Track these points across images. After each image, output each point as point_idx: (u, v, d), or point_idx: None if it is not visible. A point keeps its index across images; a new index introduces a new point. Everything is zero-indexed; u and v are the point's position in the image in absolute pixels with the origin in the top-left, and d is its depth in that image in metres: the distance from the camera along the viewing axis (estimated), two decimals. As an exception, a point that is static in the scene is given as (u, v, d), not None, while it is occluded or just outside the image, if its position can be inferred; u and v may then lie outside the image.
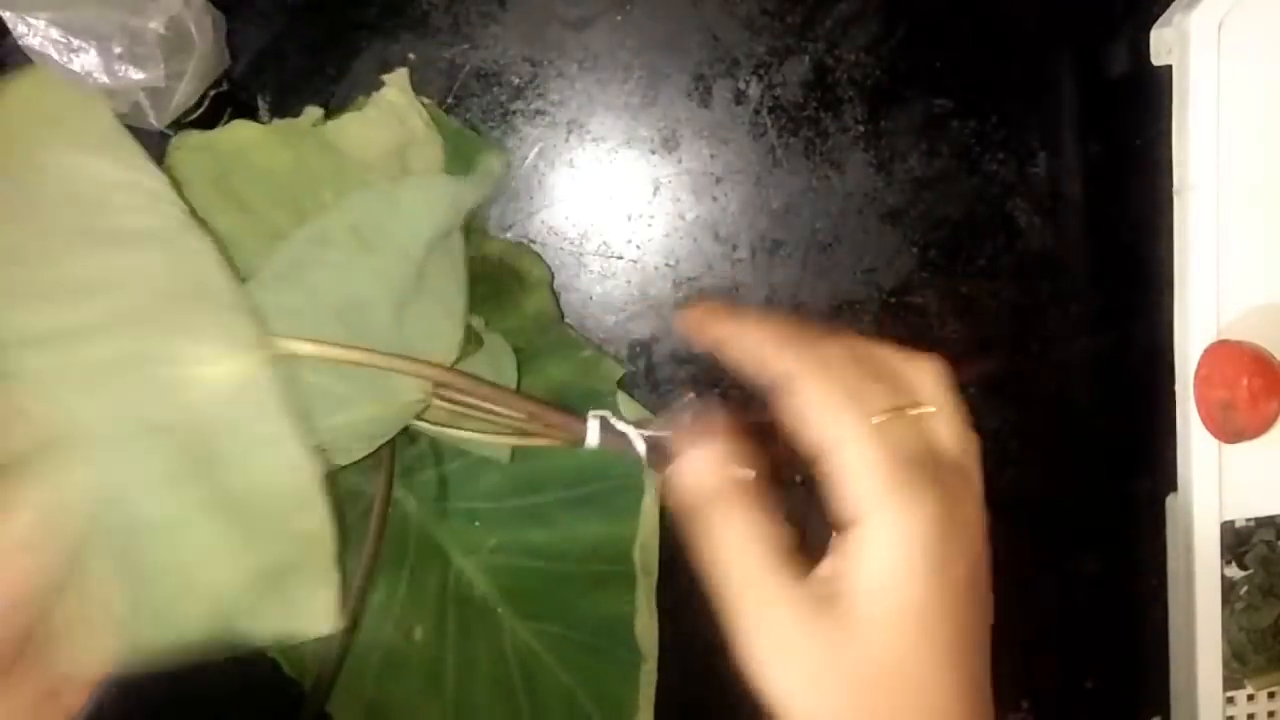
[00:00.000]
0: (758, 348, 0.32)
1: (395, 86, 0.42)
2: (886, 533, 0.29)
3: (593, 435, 0.38)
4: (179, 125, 0.42)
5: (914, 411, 0.32)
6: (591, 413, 0.38)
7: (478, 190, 0.41)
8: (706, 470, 0.32)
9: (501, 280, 0.46)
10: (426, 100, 0.45)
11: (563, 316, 0.49)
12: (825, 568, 0.31)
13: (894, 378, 0.32)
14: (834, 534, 0.31)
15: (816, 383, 0.30)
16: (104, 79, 0.40)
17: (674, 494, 0.32)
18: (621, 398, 0.46)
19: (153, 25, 0.39)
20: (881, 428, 0.30)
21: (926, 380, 0.33)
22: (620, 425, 0.38)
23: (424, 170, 0.42)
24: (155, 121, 0.41)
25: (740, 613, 0.30)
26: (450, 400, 0.38)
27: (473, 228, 0.47)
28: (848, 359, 0.32)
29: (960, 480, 0.32)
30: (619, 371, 0.46)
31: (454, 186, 0.39)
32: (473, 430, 0.40)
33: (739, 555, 0.30)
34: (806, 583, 0.30)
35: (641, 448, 0.38)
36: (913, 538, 0.29)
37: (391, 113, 0.41)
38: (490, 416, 0.39)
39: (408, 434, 0.44)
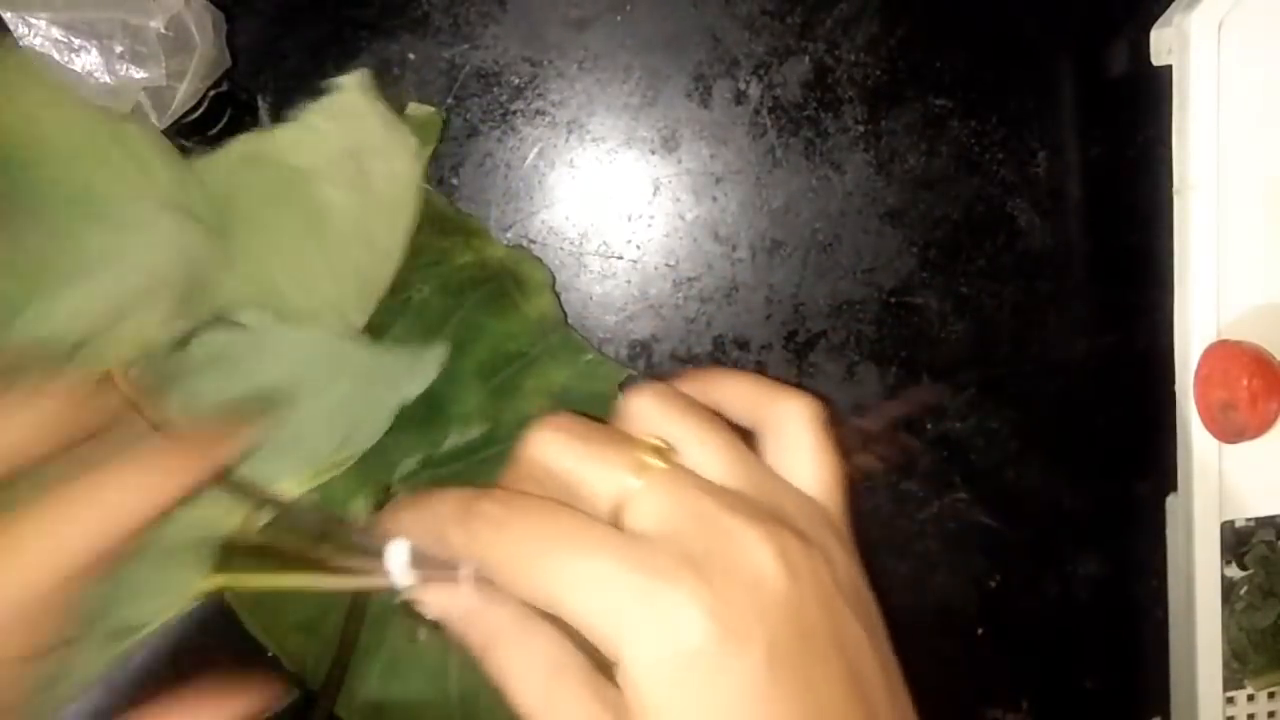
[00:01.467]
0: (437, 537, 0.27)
1: (351, 88, 0.42)
2: (639, 668, 0.23)
3: (397, 568, 0.28)
4: (179, 126, 0.42)
5: (655, 463, 0.25)
6: (394, 542, 0.28)
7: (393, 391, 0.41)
8: (480, 603, 0.26)
9: (502, 283, 0.46)
10: (430, 105, 0.45)
11: (566, 319, 0.49)
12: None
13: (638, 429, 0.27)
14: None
15: (490, 546, 0.25)
16: (106, 79, 0.40)
17: (456, 634, 0.27)
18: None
19: (154, 24, 0.39)
20: (611, 520, 0.25)
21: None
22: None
23: (385, 177, 0.42)
24: (156, 122, 0.41)
25: None
26: None
27: (474, 231, 0.47)
28: (548, 458, 0.26)
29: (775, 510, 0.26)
30: (622, 375, 0.46)
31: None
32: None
33: (548, 690, 0.25)
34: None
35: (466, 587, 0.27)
36: (671, 656, 0.23)
37: (342, 116, 0.41)
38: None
39: (402, 451, 0.45)
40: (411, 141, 0.43)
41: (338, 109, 0.41)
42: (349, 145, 0.41)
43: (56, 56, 0.40)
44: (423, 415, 0.46)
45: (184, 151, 0.46)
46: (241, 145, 0.40)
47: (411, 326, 0.45)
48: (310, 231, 0.41)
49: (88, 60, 0.40)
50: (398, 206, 0.42)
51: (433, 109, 0.46)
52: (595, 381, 0.46)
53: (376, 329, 0.45)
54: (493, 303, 0.46)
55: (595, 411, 0.47)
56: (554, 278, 0.48)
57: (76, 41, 0.40)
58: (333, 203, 0.41)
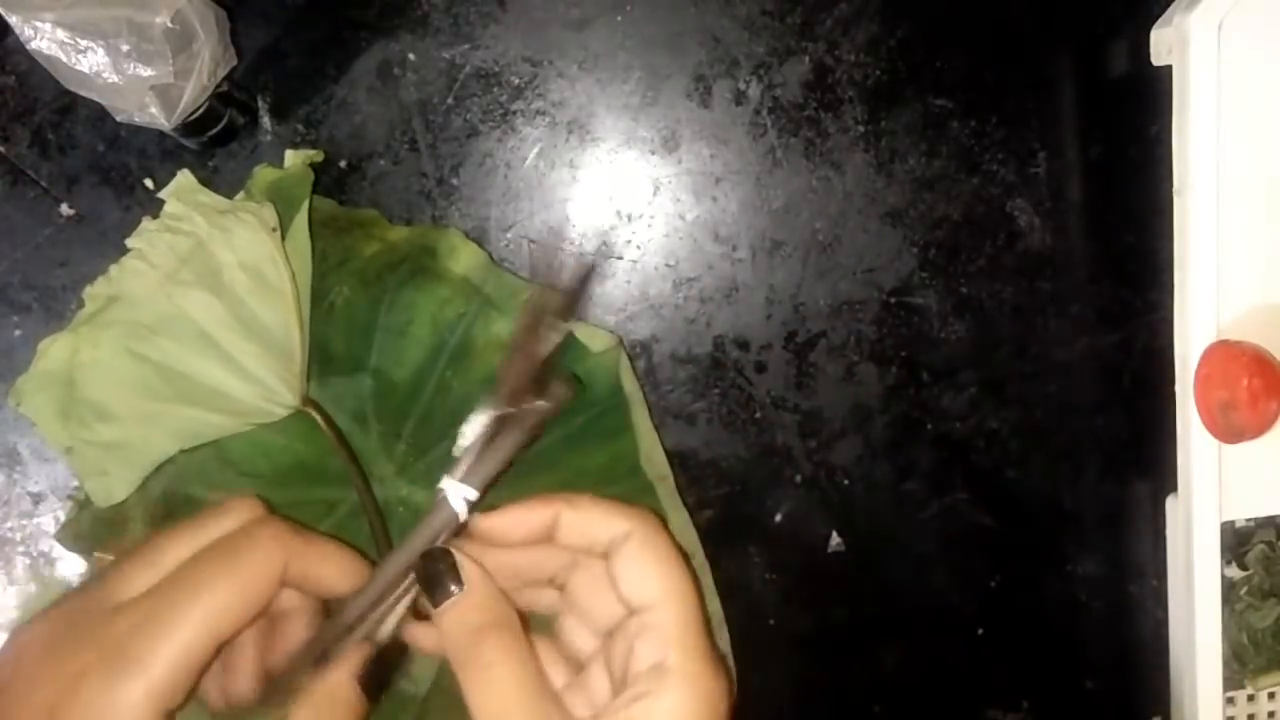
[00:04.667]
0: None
1: (172, 197, 0.43)
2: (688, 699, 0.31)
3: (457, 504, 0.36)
4: (178, 127, 0.42)
5: None
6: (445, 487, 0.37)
7: None
8: (475, 606, 0.33)
9: (416, 259, 0.46)
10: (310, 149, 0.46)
11: (493, 259, 0.48)
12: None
13: None
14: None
15: (644, 534, 0.33)
16: (113, 78, 0.40)
17: (440, 632, 0.33)
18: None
19: (159, 20, 0.40)
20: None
21: None
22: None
23: (237, 264, 0.42)
24: (165, 120, 0.42)
25: None
26: None
27: (369, 221, 0.47)
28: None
29: None
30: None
31: None
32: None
33: (510, 699, 0.31)
34: None
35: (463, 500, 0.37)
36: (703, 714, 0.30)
37: (166, 230, 0.42)
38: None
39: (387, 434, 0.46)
40: (263, 214, 0.43)
41: (159, 225, 0.42)
42: (181, 253, 0.42)
43: (64, 58, 0.40)
44: (394, 416, 0.46)
45: (186, 153, 0.46)
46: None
47: (345, 330, 0.46)
48: (199, 351, 0.42)
49: (95, 60, 0.40)
50: (267, 282, 0.43)
51: (312, 151, 0.46)
52: None
53: (317, 346, 0.45)
54: (414, 279, 0.46)
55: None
56: (464, 233, 0.48)
57: (83, 42, 0.40)
58: (195, 305, 0.42)
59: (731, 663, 0.47)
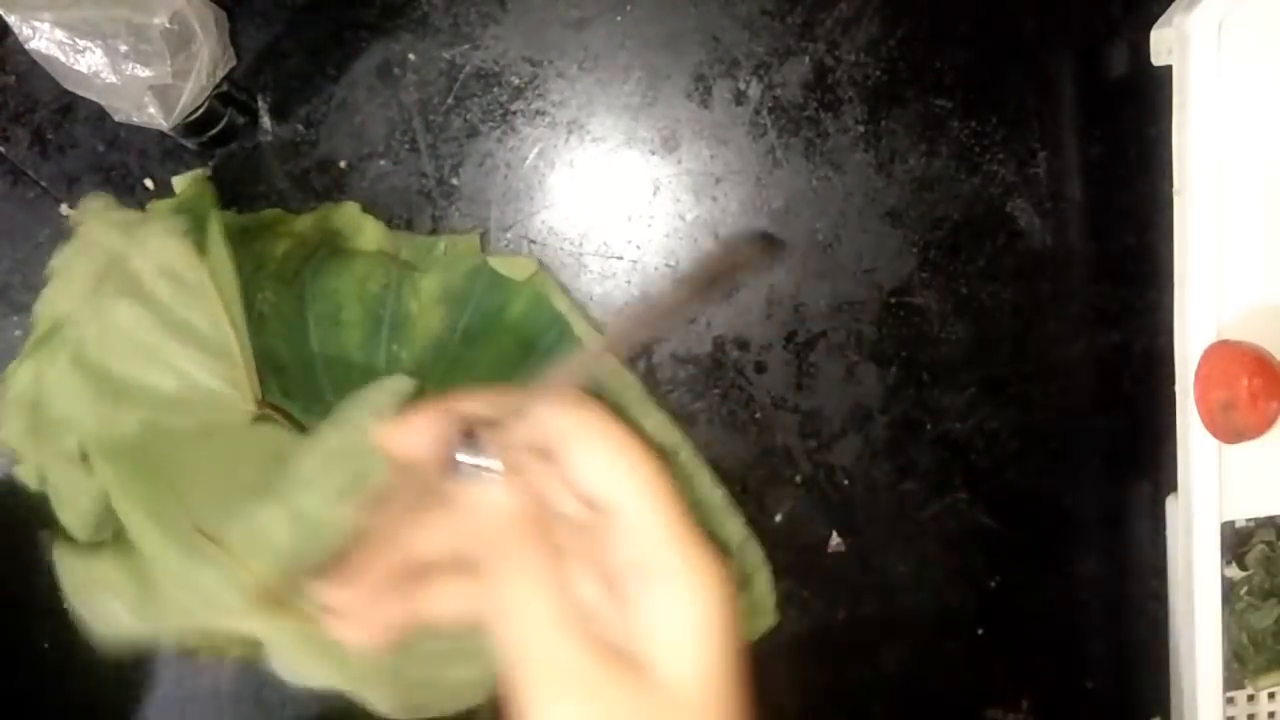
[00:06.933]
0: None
1: (86, 219, 0.43)
2: (687, 593, 0.26)
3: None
4: (178, 127, 0.42)
5: None
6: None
7: None
8: (507, 500, 0.27)
9: (327, 243, 0.46)
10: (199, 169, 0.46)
11: (398, 223, 0.48)
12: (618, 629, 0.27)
13: None
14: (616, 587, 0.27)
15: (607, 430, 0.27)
16: (111, 78, 0.40)
17: (475, 524, 0.27)
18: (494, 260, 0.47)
19: (157, 20, 0.40)
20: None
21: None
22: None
23: (156, 270, 0.42)
24: (163, 121, 0.42)
25: (537, 683, 0.25)
26: None
27: (274, 220, 0.47)
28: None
29: None
30: (475, 237, 0.47)
31: None
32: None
33: (536, 614, 0.26)
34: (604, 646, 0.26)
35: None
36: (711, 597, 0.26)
37: (89, 241, 0.42)
38: None
39: None
40: (172, 222, 0.42)
41: (73, 248, 0.43)
42: (98, 269, 0.42)
43: (62, 58, 0.40)
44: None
45: (186, 153, 0.47)
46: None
47: (282, 335, 0.45)
48: (145, 362, 0.42)
49: (93, 60, 0.40)
50: (188, 285, 0.42)
51: (198, 171, 0.46)
52: (463, 262, 0.47)
53: (263, 359, 0.44)
54: (328, 265, 0.46)
55: (479, 283, 0.48)
56: (360, 206, 0.47)
57: (81, 42, 0.40)
58: (123, 317, 0.42)
59: (755, 545, 0.47)
